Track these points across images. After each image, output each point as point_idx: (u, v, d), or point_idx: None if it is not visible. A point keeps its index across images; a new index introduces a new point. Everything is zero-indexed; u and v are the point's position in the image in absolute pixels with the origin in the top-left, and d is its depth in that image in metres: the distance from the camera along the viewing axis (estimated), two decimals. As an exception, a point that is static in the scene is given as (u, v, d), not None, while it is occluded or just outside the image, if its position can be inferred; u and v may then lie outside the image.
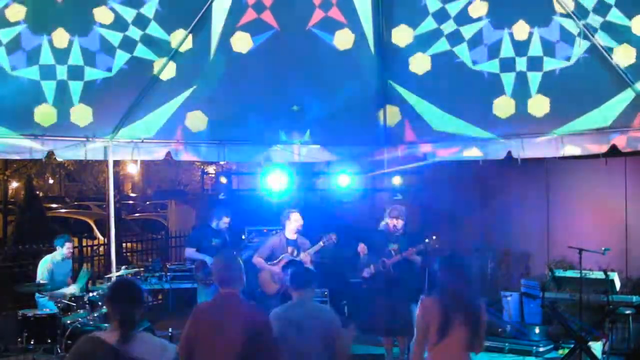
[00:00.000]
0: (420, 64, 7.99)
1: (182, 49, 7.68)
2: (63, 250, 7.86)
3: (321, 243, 7.63)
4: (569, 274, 7.80)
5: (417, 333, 4.38)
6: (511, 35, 7.37)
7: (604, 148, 7.86)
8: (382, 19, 8.03)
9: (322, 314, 4.41)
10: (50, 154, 8.49)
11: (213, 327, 3.84)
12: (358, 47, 8.03)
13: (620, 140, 7.57)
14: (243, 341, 3.77)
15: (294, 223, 7.66)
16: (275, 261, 7.64)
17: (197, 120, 8.21)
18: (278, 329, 4.04)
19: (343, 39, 8.00)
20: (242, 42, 7.85)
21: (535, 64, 7.38)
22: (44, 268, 7.75)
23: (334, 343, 4.27)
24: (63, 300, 7.27)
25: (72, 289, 7.75)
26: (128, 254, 12.35)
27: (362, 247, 7.51)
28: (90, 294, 7.53)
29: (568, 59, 7.21)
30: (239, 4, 7.60)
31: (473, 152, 8.15)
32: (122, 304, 3.47)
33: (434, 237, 7.33)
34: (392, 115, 8.56)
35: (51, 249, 8.10)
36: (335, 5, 7.77)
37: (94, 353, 3.37)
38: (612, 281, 7.38)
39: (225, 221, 8.17)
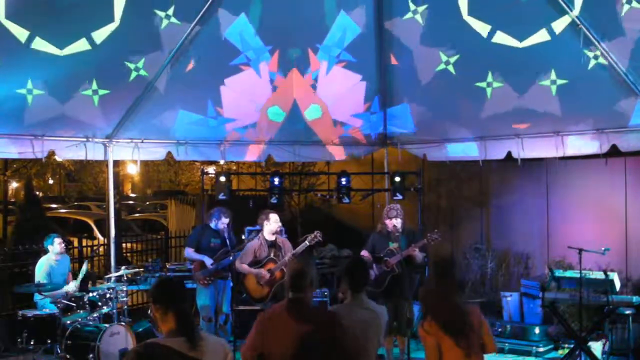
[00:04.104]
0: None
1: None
2: (55, 248, 7.86)
3: (306, 242, 7.46)
4: (569, 274, 7.79)
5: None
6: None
7: (604, 148, 7.90)
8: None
9: (381, 315, 4.36)
10: (50, 154, 8.51)
11: (284, 333, 3.76)
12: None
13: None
14: (316, 346, 3.73)
15: (273, 224, 7.51)
16: (260, 265, 7.53)
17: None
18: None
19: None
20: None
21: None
22: (41, 271, 7.74)
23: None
24: (63, 301, 7.26)
25: (72, 287, 7.74)
26: (128, 254, 12.35)
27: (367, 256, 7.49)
28: (90, 294, 7.53)
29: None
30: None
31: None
32: (178, 307, 3.15)
33: (430, 234, 7.33)
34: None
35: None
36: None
37: None
38: (612, 281, 7.36)
39: (224, 222, 8.15)
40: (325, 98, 8.99)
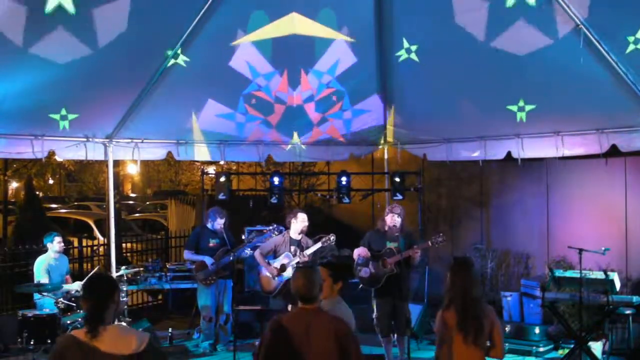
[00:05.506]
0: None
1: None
2: (54, 246, 7.88)
3: (320, 243, 7.63)
4: (569, 274, 7.79)
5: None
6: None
7: (604, 148, 7.90)
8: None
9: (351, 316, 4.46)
10: (50, 154, 8.50)
11: (298, 344, 3.77)
12: None
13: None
14: (331, 355, 3.74)
15: (300, 223, 7.69)
16: (275, 259, 7.68)
17: None
18: None
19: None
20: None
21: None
22: (40, 269, 7.74)
23: None
24: (63, 301, 7.27)
25: (76, 286, 7.75)
26: (128, 254, 12.35)
27: (363, 252, 7.49)
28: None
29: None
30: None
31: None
32: (89, 299, 3.45)
33: (435, 236, 7.33)
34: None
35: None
36: None
37: (67, 350, 3.37)
38: (612, 281, 7.37)
39: (219, 222, 8.19)
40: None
